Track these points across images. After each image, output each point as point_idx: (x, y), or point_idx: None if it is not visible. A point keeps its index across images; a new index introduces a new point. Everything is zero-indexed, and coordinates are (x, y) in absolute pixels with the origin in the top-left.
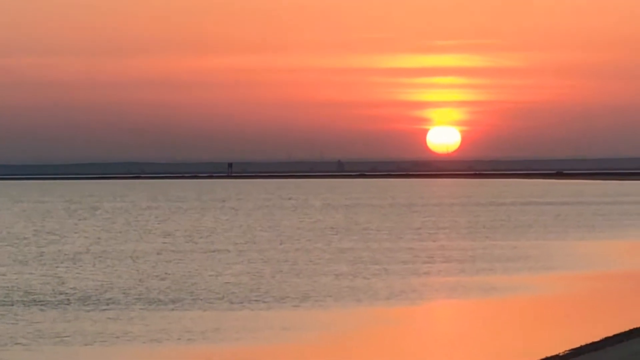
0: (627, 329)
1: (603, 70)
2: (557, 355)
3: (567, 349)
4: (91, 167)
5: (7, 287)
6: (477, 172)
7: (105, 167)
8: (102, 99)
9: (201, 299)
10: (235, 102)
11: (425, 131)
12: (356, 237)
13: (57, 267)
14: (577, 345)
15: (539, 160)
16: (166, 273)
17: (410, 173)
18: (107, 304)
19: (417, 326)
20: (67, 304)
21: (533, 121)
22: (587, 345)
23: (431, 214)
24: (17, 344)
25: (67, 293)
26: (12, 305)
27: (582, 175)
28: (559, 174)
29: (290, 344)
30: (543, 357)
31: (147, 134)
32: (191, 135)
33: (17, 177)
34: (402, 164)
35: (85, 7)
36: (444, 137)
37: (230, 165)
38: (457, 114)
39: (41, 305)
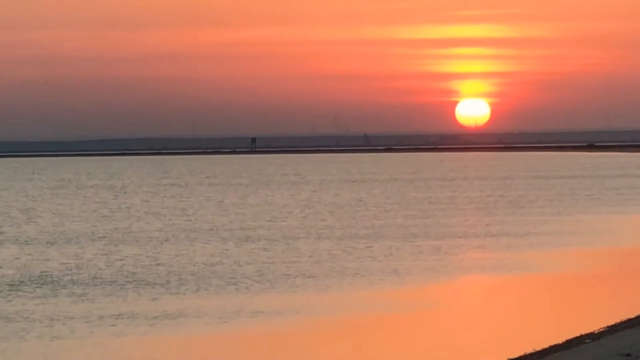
0: None
1: (633, 39)
2: (592, 333)
3: (603, 326)
4: (111, 144)
5: None
6: (507, 145)
7: (126, 143)
8: (121, 74)
9: (171, 282)
10: (258, 75)
11: (454, 103)
12: (347, 214)
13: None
14: (612, 322)
15: (570, 132)
16: (137, 254)
17: (439, 147)
18: (73, 286)
19: (420, 308)
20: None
21: (563, 92)
22: (622, 323)
23: (436, 189)
24: None
25: (31, 275)
26: None
27: (614, 148)
28: (591, 146)
29: (264, 330)
30: (577, 334)
31: (170, 109)
32: (215, 111)
33: (41, 153)
34: (430, 138)
35: None
36: (472, 110)
37: (253, 140)
38: (485, 86)
39: (8, 287)
